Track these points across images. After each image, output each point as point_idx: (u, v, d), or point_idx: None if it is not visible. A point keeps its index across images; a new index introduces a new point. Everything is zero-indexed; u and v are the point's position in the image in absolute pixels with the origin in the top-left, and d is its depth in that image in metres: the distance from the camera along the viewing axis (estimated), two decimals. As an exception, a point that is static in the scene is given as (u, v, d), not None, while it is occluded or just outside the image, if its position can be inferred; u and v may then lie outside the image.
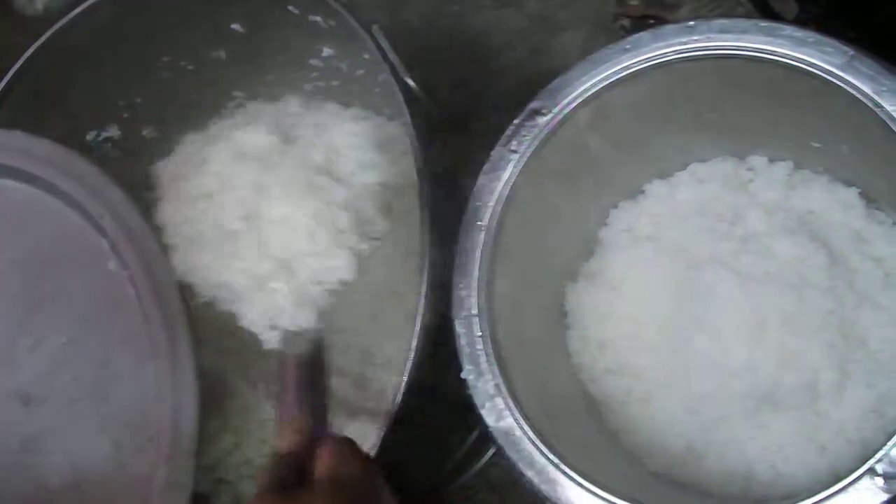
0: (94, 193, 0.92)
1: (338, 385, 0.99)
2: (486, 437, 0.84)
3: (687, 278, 0.92)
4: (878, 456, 0.70)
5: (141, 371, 0.89)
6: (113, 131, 1.09)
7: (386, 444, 0.82)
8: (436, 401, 0.96)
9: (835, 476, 0.75)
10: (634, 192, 0.99)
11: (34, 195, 0.95)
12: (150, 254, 0.91)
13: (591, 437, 0.92)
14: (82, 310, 0.94)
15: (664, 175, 0.98)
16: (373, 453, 0.81)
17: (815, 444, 0.85)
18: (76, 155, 0.94)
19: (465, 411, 0.85)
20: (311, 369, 0.86)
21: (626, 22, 1.12)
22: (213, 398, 1.01)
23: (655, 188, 0.98)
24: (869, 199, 0.91)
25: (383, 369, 0.99)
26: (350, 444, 0.75)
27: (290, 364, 0.86)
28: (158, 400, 0.88)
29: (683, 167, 0.98)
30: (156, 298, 0.90)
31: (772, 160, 0.95)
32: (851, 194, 0.92)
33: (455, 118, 1.00)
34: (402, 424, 0.88)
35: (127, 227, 0.91)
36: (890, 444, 0.70)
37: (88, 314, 0.93)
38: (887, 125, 0.77)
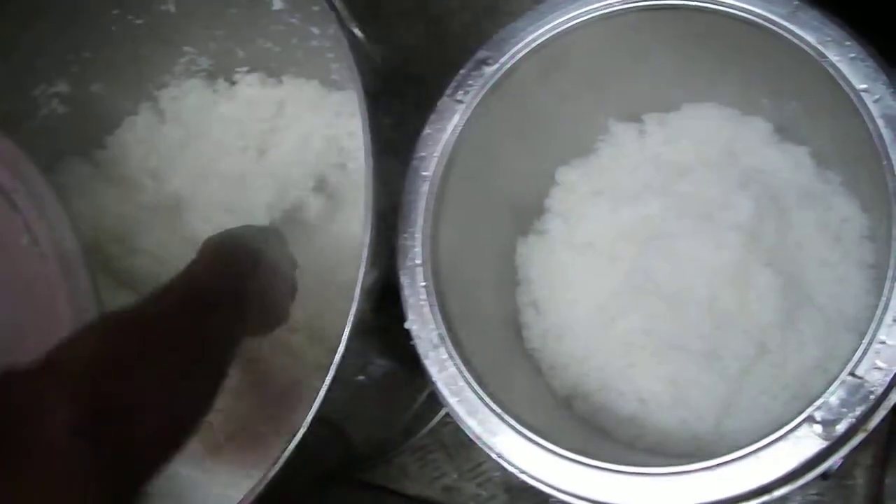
0: (9, 168, 0.92)
1: (291, 340, 0.99)
2: (437, 397, 0.83)
3: (636, 240, 0.92)
4: (817, 403, 0.70)
5: (47, 347, 0.89)
6: (61, 86, 1.07)
7: (334, 399, 0.81)
8: (385, 359, 0.95)
9: (780, 431, 0.75)
10: (585, 149, 0.99)
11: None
12: (60, 231, 0.91)
13: (537, 393, 0.92)
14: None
15: (613, 130, 0.98)
16: (317, 404, 0.80)
17: (761, 399, 0.86)
18: None
19: (416, 370, 0.84)
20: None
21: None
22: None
23: (605, 145, 0.98)
24: (819, 158, 0.91)
25: (332, 323, 0.97)
26: None
27: None
28: None
29: (632, 121, 0.98)
30: (64, 276, 0.89)
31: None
32: (801, 153, 0.92)
33: (405, 73, 0.99)
34: (352, 382, 0.87)
35: (40, 203, 0.91)
36: (829, 390, 0.70)
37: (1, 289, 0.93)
38: (831, 75, 0.77)
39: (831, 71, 0.77)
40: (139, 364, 0.67)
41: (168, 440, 0.68)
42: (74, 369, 0.63)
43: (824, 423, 0.70)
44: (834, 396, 0.70)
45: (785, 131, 0.93)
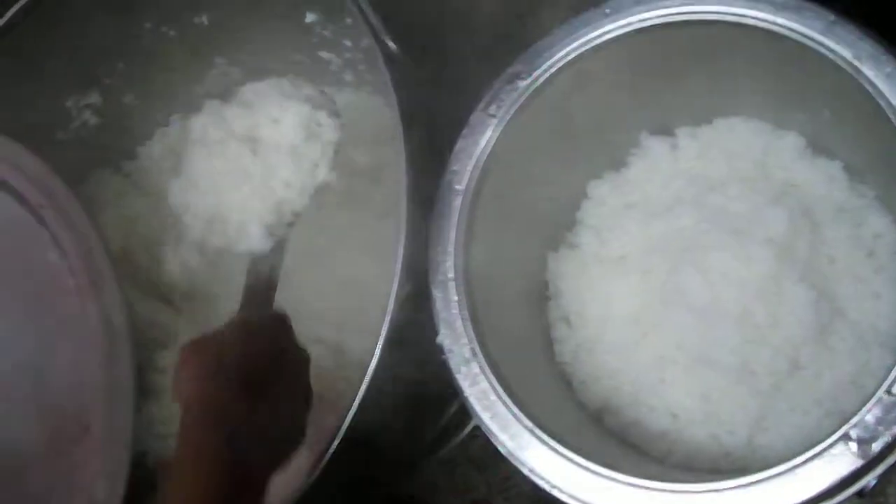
0: (35, 184, 0.93)
1: (315, 353, 0.98)
2: (466, 410, 0.83)
3: (668, 253, 0.92)
4: (853, 421, 0.70)
5: (78, 360, 0.89)
6: (94, 98, 1.08)
7: (363, 412, 0.81)
8: (416, 372, 0.95)
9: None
10: (617, 163, 0.99)
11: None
12: (89, 244, 0.91)
13: (567, 408, 0.91)
14: (23, 299, 0.94)
15: (645, 144, 0.98)
16: (349, 418, 0.80)
17: (794, 415, 0.85)
18: (19, 145, 0.95)
19: (445, 383, 0.84)
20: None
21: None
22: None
23: (637, 158, 0.98)
24: (852, 173, 0.91)
25: (361, 337, 0.98)
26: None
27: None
28: (95, 390, 0.88)
29: (664, 135, 0.98)
30: (94, 289, 0.90)
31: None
32: (835, 168, 0.91)
33: (439, 84, 0.99)
34: (381, 394, 0.87)
35: (67, 218, 0.92)
36: (865, 408, 0.70)
37: (29, 303, 0.94)
38: (867, 91, 0.77)
39: (867, 86, 0.77)
40: None
41: None
42: None
43: (860, 441, 0.69)
44: (870, 415, 0.69)
45: (818, 146, 0.92)
